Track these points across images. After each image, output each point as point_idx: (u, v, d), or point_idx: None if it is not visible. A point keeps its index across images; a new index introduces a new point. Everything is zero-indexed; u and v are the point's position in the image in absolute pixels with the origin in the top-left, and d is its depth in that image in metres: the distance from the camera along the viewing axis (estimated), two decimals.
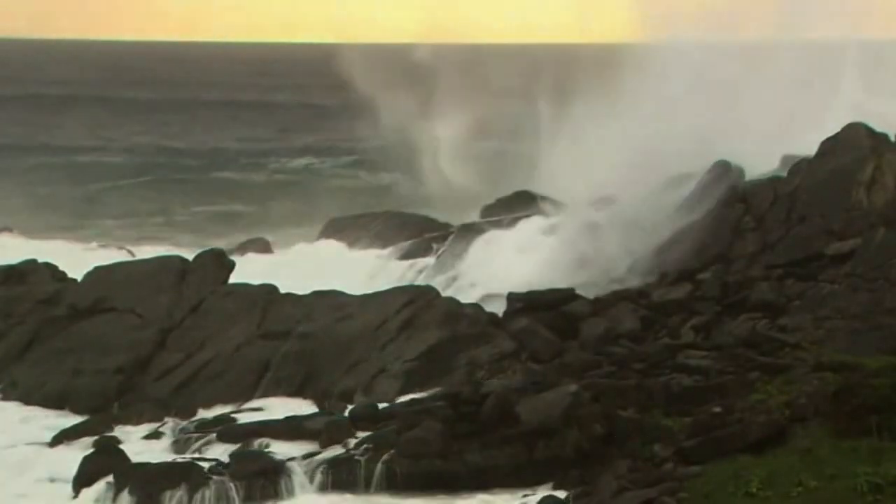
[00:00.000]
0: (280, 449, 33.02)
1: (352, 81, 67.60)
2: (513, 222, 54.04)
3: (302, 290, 43.06)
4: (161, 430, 35.92)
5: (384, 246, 55.64)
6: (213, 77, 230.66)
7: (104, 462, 32.16)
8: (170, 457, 33.52)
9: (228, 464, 31.85)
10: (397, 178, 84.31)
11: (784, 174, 49.31)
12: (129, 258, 55.64)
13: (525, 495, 30.30)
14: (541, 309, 40.70)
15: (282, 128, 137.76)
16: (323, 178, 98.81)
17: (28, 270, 46.83)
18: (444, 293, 43.41)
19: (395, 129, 66.72)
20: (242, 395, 38.75)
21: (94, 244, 63.60)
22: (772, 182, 49.01)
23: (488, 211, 59.82)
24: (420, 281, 50.29)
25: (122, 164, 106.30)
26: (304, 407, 37.24)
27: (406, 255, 54.27)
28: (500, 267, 49.73)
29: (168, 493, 30.64)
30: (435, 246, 54.11)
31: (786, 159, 51.64)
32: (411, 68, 68.08)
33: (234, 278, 44.52)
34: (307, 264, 53.80)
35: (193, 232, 73.87)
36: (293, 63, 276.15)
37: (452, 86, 64.80)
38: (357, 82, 66.99)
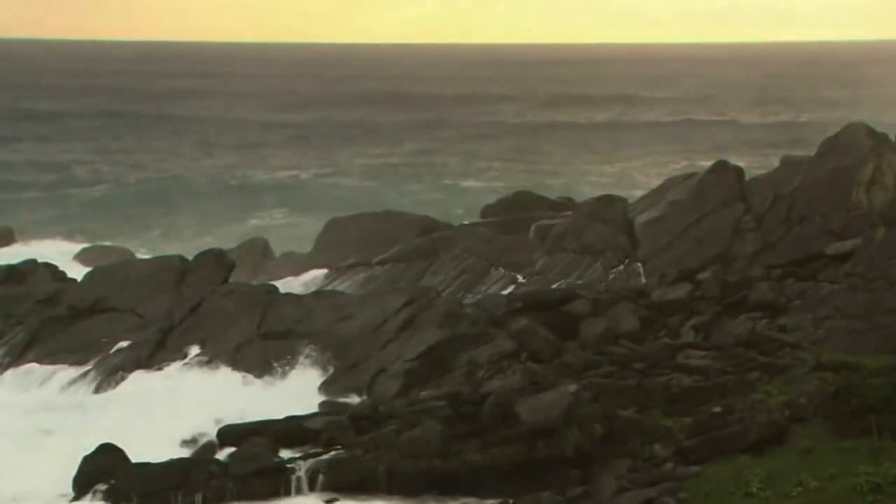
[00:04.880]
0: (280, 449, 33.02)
1: None
2: None
3: None
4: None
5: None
6: None
7: (105, 462, 32.14)
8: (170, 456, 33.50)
9: (228, 464, 31.83)
10: None
11: (784, 174, 49.37)
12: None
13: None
14: (541, 309, 40.68)
15: None
16: None
17: (28, 270, 46.89)
18: None
19: None
20: None
21: None
22: (772, 182, 49.07)
23: (489, 211, 59.88)
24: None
25: None
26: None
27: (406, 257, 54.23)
28: None
29: (168, 493, 30.64)
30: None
31: (786, 159, 51.72)
32: None
33: None
34: None
35: None
36: None
37: None
38: None
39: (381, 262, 53.80)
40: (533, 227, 53.97)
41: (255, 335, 40.74)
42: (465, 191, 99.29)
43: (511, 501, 29.95)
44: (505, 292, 46.80)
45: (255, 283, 49.06)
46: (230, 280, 45.31)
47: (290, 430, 33.98)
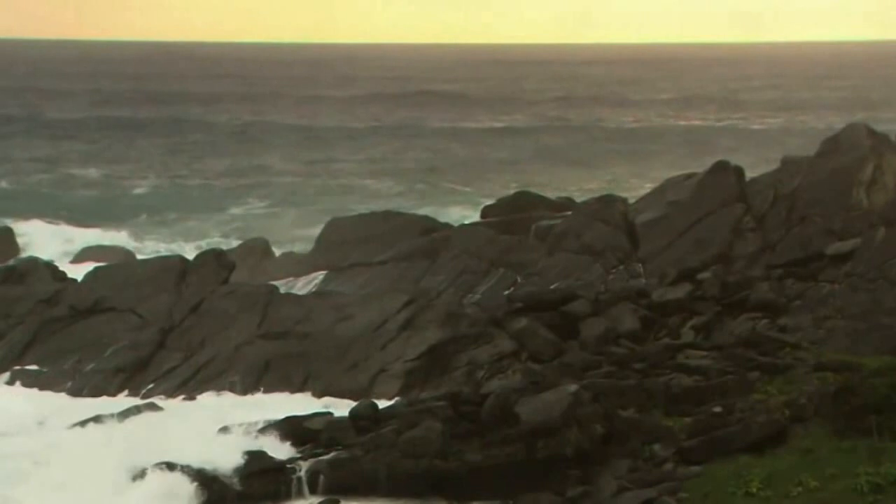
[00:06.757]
0: (280, 449, 32.97)
1: None
2: None
3: None
4: None
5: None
6: None
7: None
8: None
9: None
10: None
11: (784, 174, 49.40)
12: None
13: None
14: (541, 309, 40.70)
15: None
16: None
17: (28, 270, 46.88)
18: None
19: None
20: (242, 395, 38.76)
21: None
22: (772, 182, 49.11)
23: (489, 211, 59.84)
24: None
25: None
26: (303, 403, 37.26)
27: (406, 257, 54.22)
28: None
29: None
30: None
31: (786, 159, 51.77)
32: None
33: None
34: None
35: None
36: None
37: None
38: None
39: (381, 262, 53.79)
40: (533, 228, 53.94)
41: (255, 335, 40.75)
42: (468, 191, 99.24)
43: (511, 502, 29.96)
44: (505, 292, 46.80)
45: (255, 283, 49.07)
46: (230, 280, 45.32)
47: (290, 431, 33.97)
